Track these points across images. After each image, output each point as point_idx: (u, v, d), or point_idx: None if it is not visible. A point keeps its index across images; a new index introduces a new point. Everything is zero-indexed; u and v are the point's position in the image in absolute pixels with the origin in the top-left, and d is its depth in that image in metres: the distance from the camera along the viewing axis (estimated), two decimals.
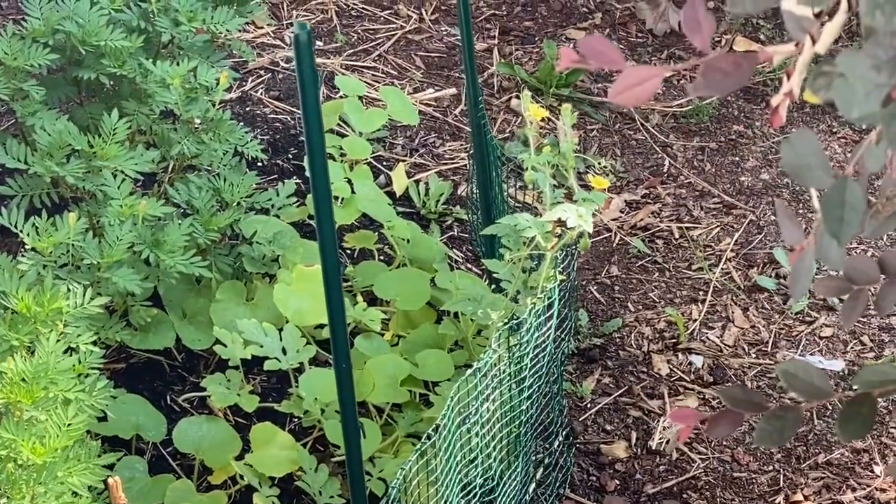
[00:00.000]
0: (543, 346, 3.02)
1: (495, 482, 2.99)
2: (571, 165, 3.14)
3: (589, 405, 3.71)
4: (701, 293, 4.04)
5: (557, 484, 3.41)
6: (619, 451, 3.59)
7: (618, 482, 3.51)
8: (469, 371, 2.77)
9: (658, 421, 3.66)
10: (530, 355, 2.98)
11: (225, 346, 3.36)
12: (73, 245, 3.27)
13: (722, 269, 4.12)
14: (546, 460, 3.39)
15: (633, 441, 3.62)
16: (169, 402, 3.50)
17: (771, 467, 3.55)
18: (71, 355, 2.88)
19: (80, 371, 2.91)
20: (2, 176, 3.69)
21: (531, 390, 3.03)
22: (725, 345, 3.88)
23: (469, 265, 4.00)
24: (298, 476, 3.26)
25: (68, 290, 3.01)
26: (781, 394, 3.71)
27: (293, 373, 3.41)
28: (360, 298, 3.61)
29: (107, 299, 3.07)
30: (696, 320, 3.95)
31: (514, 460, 3.06)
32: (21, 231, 3.24)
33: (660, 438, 3.62)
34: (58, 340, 2.84)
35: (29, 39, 3.55)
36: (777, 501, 3.46)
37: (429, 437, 2.67)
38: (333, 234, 2.27)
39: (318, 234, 2.27)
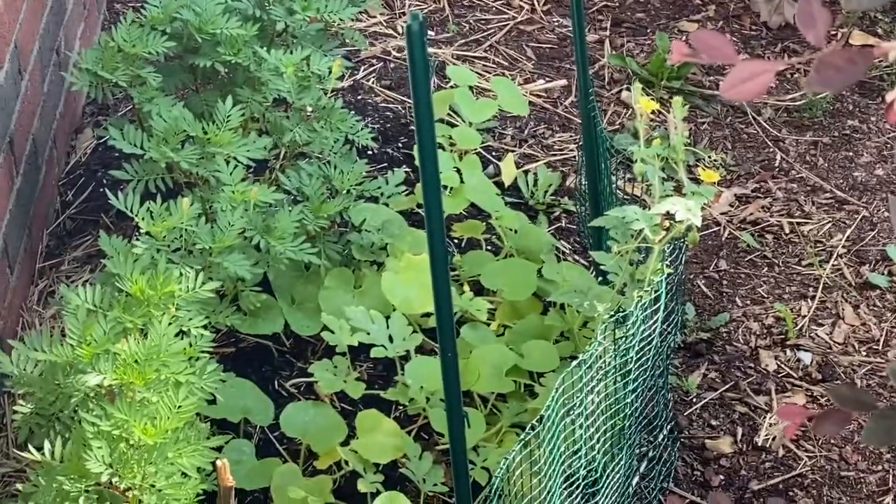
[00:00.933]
0: (649, 339, 3.01)
1: (599, 474, 2.99)
2: (681, 158, 3.13)
3: (694, 400, 3.69)
4: (811, 289, 4.00)
5: (661, 478, 3.40)
6: (724, 447, 3.56)
7: (722, 477, 3.49)
8: (574, 363, 2.77)
9: (764, 417, 3.63)
10: (636, 348, 2.97)
11: (332, 332, 3.40)
12: (186, 230, 3.32)
13: (833, 265, 4.07)
14: (650, 454, 3.37)
15: (739, 437, 3.59)
16: (277, 386, 3.54)
17: (880, 467, 3.51)
18: (182, 338, 2.93)
19: (191, 354, 2.96)
20: (118, 161, 3.75)
21: (636, 383, 3.02)
22: (835, 342, 3.84)
23: (576, 257, 4.00)
24: (403, 463, 3.29)
25: (181, 274, 3.06)
26: (892, 393, 3.66)
27: (399, 360, 3.44)
28: (466, 288, 3.63)
29: (218, 284, 3.12)
30: (805, 316, 3.91)
31: (617, 453, 3.06)
32: (136, 215, 3.30)
33: (766, 435, 3.60)
34: (170, 323, 2.89)
35: (147, 27, 3.61)
36: (886, 502, 3.42)
37: (532, 428, 2.67)
38: (441, 223, 2.29)
39: (426, 222, 2.29)
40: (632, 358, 2.97)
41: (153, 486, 2.73)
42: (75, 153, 4.18)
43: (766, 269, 4.08)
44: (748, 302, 3.96)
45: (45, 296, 3.74)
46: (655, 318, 3.02)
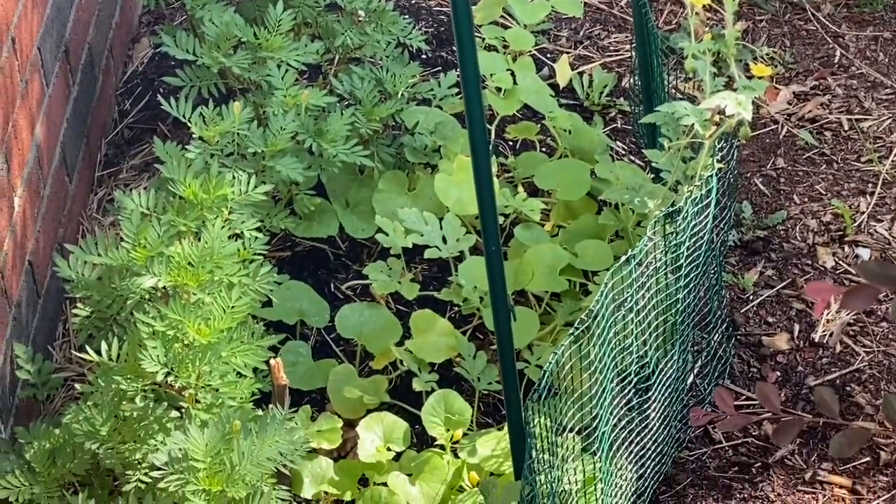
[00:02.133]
0: (701, 234, 3.01)
1: (651, 370, 3.00)
2: (732, 53, 3.10)
3: (751, 297, 3.68)
4: (870, 185, 3.97)
5: (716, 374, 3.41)
6: (780, 343, 3.56)
7: (779, 374, 3.48)
8: (624, 257, 2.77)
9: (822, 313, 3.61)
10: (687, 243, 2.96)
11: (386, 234, 3.42)
12: (238, 134, 3.35)
13: (892, 161, 4.03)
14: (705, 352, 3.38)
15: (796, 333, 3.59)
16: (332, 289, 3.57)
17: None
18: (236, 241, 2.97)
19: (244, 257, 3.00)
20: (175, 69, 3.77)
21: (688, 279, 3.02)
22: (894, 237, 3.81)
23: (632, 157, 3.98)
24: (457, 362, 3.32)
25: (233, 177, 3.09)
26: None
27: (453, 261, 3.46)
28: (520, 189, 3.63)
29: (270, 187, 3.15)
30: (863, 213, 3.88)
31: (670, 348, 3.06)
32: (189, 121, 3.32)
33: (823, 331, 3.58)
34: (223, 226, 2.93)
35: None
36: None
37: (582, 323, 2.68)
38: (481, 113, 2.29)
39: (466, 112, 2.29)
40: (683, 253, 2.97)
41: (208, 385, 2.78)
42: (132, 63, 4.21)
43: (824, 166, 4.04)
44: (806, 199, 3.94)
45: (104, 204, 3.79)
46: (707, 214, 3.02)
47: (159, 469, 2.54)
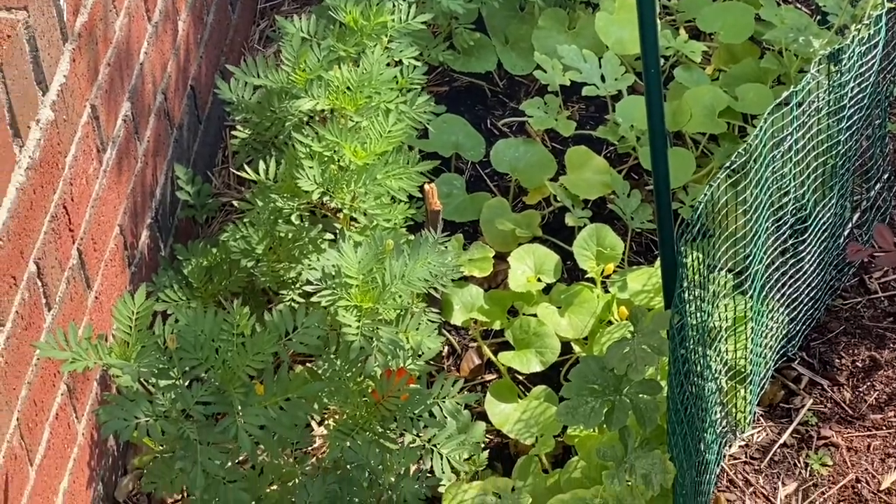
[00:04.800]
0: (866, 76, 2.93)
1: (808, 213, 2.95)
2: None
3: None
4: None
5: (875, 224, 3.35)
6: None
7: None
8: (784, 94, 2.72)
9: None
10: (851, 84, 2.90)
11: (545, 71, 3.40)
12: None
13: None
14: (864, 201, 3.32)
15: None
16: (488, 125, 3.57)
17: None
18: (394, 69, 2.98)
19: (403, 85, 3.00)
20: None
21: (851, 122, 2.96)
22: None
23: (797, 4, 3.89)
24: (611, 200, 3.31)
25: (394, 6, 3.09)
26: None
27: (610, 100, 3.43)
28: (682, 31, 3.57)
29: (430, 16, 3.14)
30: None
31: (828, 192, 3.01)
32: None
33: None
34: (382, 53, 2.93)
35: None
36: None
37: (738, 157, 2.64)
38: None
39: None
40: (846, 94, 2.91)
41: (362, 207, 2.81)
42: None
43: None
44: None
45: (266, 35, 3.82)
46: (874, 55, 2.94)
47: (313, 285, 2.58)
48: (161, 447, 2.51)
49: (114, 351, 2.30)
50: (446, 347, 3.13)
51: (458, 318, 3.04)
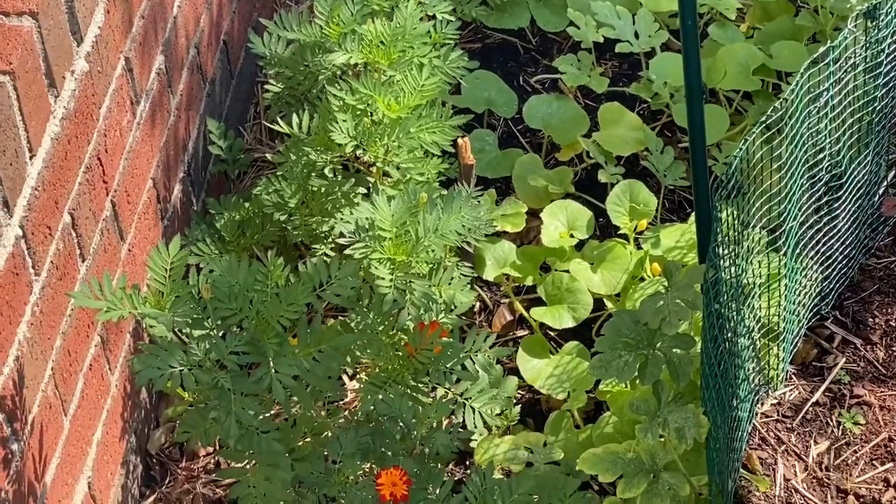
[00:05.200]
0: None
1: (843, 170, 2.94)
2: None
3: None
4: None
5: None
6: None
7: None
8: (821, 49, 2.70)
9: None
10: (888, 41, 2.87)
11: (578, 28, 3.38)
12: None
13: None
14: None
15: None
16: (521, 82, 3.56)
17: None
18: (428, 23, 2.96)
19: (436, 40, 2.99)
20: None
21: (887, 78, 2.93)
22: None
23: None
24: (644, 157, 3.29)
25: None
26: None
27: (644, 57, 3.41)
28: None
29: None
30: None
31: (864, 149, 2.99)
32: None
33: None
34: (415, 7, 2.92)
35: None
36: None
37: (775, 111, 2.62)
38: None
39: None
40: (884, 50, 2.88)
41: (395, 161, 2.80)
42: None
43: None
44: None
45: None
46: None
47: (346, 238, 2.58)
48: (195, 397, 2.52)
49: (148, 301, 2.31)
50: (478, 303, 3.13)
51: (490, 274, 3.03)
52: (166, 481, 2.91)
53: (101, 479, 2.69)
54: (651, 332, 2.56)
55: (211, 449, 2.94)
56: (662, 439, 2.55)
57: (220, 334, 2.31)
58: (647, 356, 2.55)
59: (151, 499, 2.89)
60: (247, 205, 3.05)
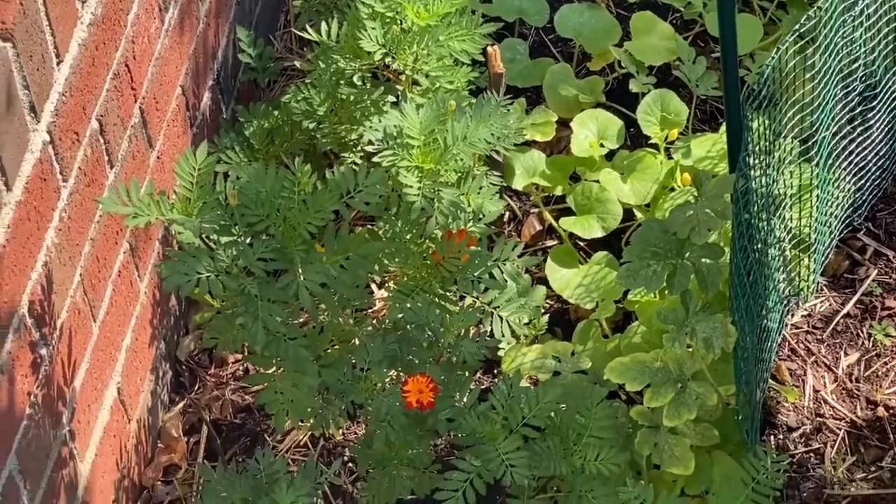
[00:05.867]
0: None
1: (877, 80, 2.90)
2: None
3: None
4: None
5: None
6: None
7: None
8: None
9: None
10: None
11: None
12: None
13: None
14: None
15: None
16: None
17: None
18: None
19: None
20: None
21: None
22: None
23: None
24: (676, 66, 3.26)
25: None
26: None
27: None
28: None
29: None
30: None
31: None
32: None
33: None
34: None
35: None
36: None
37: (808, 20, 2.59)
38: None
39: None
40: None
41: (424, 69, 2.78)
42: None
43: None
44: None
45: None
46: None
47: (374, 146, 2.56)
48: (222, 304, 2.52)
49: (175, 207, 2.30)
50: (507, 213, 3.12)
51: (519, 183, 3.02)
52: (195, 388, 2.93)
53: (130, 385, 2.71)
54: (680, 242, 2.54)
55: (240, 356, 2.95)
56: (690, 349, 2.54)
57: (248, 241, 2.30)
58: (675, 266, 2.53)
59: (181, 405, 2.91)
60: (276, 113, 3.03)
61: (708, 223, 2.51)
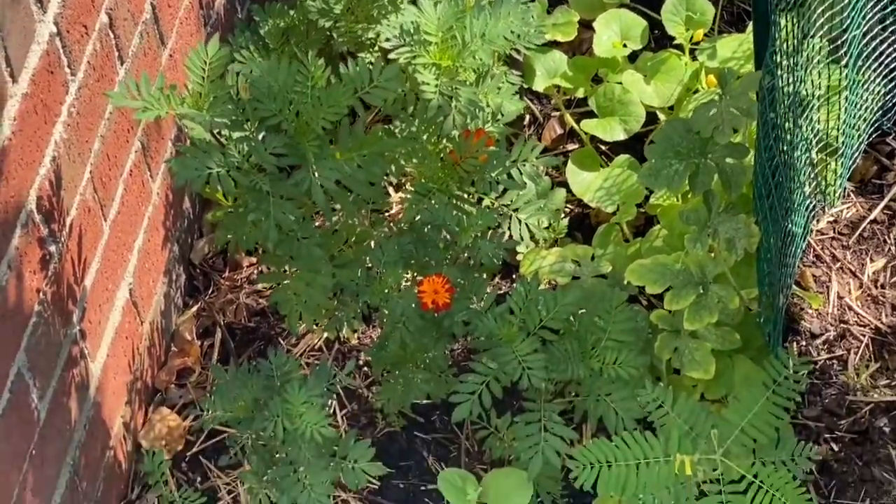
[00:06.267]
0: None
1: None
2: None
3: None
4: None
5: None
6: None
7: None
8: None
9: None
10: None
11: None
12: None
13: None
14: None
15: None
16: None
17: None
18: None
19: None
20: None
21: None
22: None
23: None
24: None
25: None
26: None
27: None
28: None
29: None
30: None
31: None
32: None
33: None
34: None
35: None
36: None
37: None
38: None
39: None
40: None
41: None
42: None
43: None
44: None
45: None
46: None
47: (391, 42, 2.50)
48: (234, 202, 2.47)
49: (186, 101, 2.25)
50: (528, 116, 3.06)
51: (540, 85, 2.95)
52: (209, 291, 2.89)
53: (142, 287, 2.67)
54: (703, 141, 2.48)
55: (254, 259, 2.91)
56: (712, 253, 2.49)
57: (260, 136, 2.25)
58: (698, 165, 2.47)
59: (195, 308, 2.87)
60: (292, 12, 2.97)
61: (732, 122, 2.45)
